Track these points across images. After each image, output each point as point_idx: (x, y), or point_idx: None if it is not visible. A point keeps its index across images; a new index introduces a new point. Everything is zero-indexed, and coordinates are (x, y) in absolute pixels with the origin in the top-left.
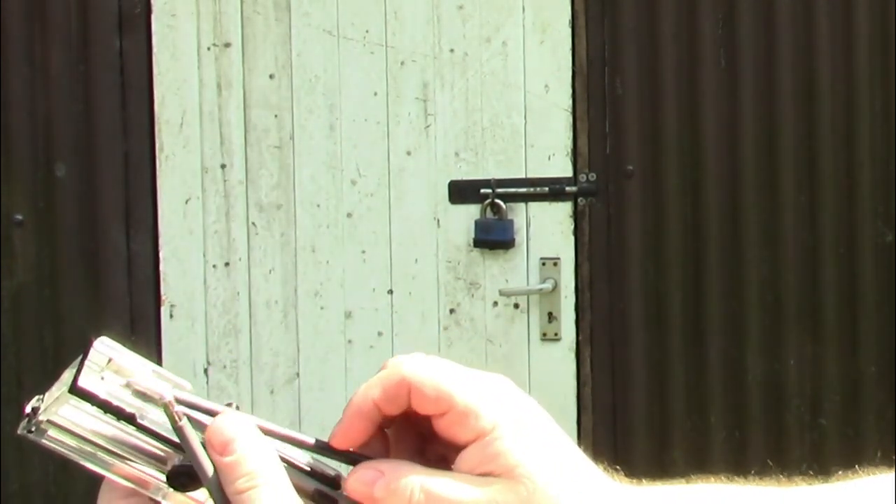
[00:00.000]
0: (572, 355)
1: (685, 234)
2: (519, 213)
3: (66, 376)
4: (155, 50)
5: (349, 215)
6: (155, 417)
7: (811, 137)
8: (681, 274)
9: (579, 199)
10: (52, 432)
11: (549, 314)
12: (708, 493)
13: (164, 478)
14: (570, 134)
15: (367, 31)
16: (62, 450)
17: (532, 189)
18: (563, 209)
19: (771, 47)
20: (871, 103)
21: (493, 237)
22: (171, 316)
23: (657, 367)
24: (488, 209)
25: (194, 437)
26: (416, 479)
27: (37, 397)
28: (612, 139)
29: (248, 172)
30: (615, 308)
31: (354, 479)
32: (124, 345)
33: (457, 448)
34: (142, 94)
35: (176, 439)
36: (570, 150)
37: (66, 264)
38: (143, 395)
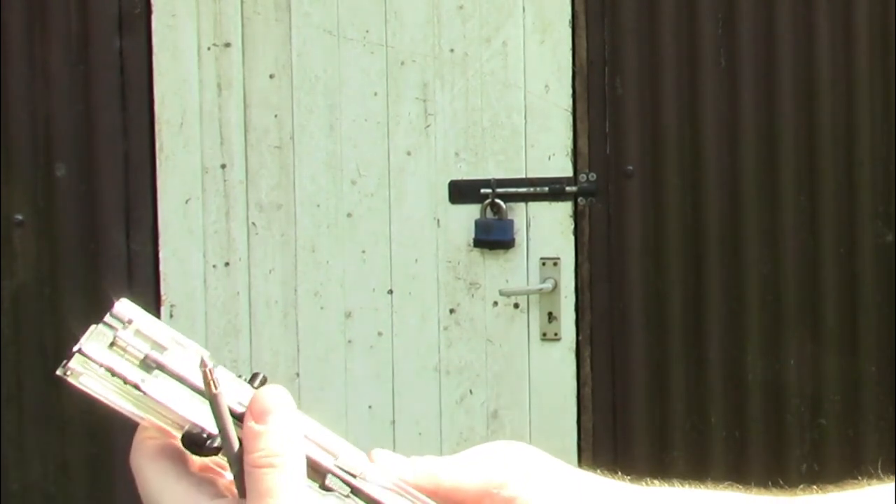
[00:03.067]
0: (572, 355)
1: (685, 234)
2: (519, 213)
3: (91, 330)
4: (155, 50)
5: (349, 215)
6: (158, 384)
7: (811, 137)
8: (681, 274)
9: (579, 199)
10: (84, 379)
11: (549, 314)
12: (710, 500)
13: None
14: (570, 134)
15: (367, 31)
16: (99, 397)
17: (532, 189)
18: (563, 209)
19: (771, 47)
20: (871, 103)
21: (493, 237)
22: (171, 316)
23: (657, 367)
24: (488, 209)
25: (226, 407)
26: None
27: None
28: (612, 139)
29: (248, 172)
30: (615, 308)
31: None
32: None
33: None
34: (142, 94)
35: (177, 410)
36: (570, 150)
37: (66, 264)
38: (153, 361)
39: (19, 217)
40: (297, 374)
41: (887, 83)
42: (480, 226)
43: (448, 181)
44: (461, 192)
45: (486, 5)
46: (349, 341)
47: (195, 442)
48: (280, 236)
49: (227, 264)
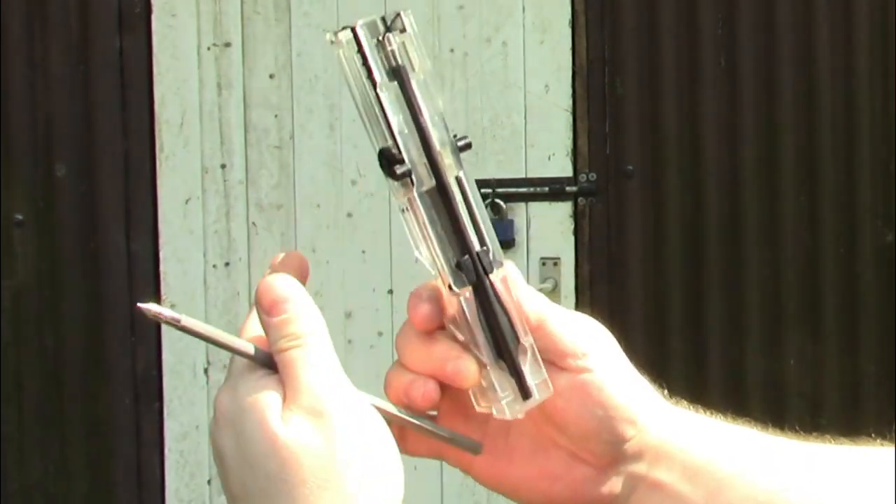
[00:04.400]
0: None
1: (685, 234)
2: (519, 213)
3: (371, 20)
4: (155, 50)
5: (349, 215)
6: (393, 100)
7: (811, 137)
8: (681, 274)
9: (579, 199)
10: (340, 52)
11: None
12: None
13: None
14: (570, 134)
15: None
16: (343, 70)
17: (532, 189)
18: (563, 209)
19: (771, 47)
20: (871, 103)
21: None
22: None
23: (657, 367)
24: (488, 209)
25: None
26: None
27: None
28: (612, 139)
29: (248, 172)
30: (615, 308)
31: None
32: (124, 345)
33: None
34: (142, 94)
35: (392, 123)
36: (570, 150)
37: (66, 264)
38: (398, 69)
39: (19, 217)
40: None
41: (887, 83)
42: None
43: None
44: None
45: (486, 5)
46: (349, 341)
47: (388, 157)
48: (280, 236)
49: (227, 264)
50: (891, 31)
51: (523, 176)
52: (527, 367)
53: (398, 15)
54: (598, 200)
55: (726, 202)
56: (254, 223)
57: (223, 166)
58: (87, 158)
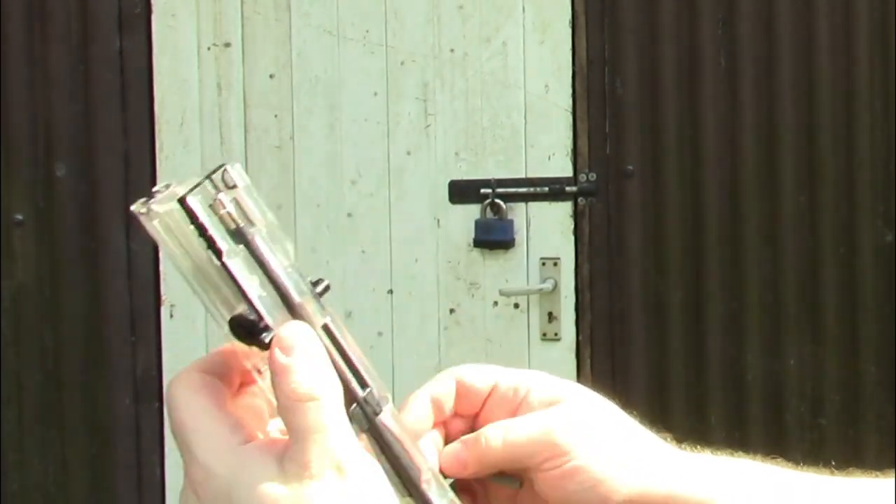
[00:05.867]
0: (572, 355)
1: (685, 234)
2: (519, 213)
3: (192, 182)
4: (155, 50)
5: (349, 215)
6: (242, 266)
7: (811, 137)
8: (681, 274)
9: (579, 199)
10: (157, 223)
11: (549, 314)
12: (757, 472)
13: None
14: (570, 134)
15: (367, 31)
16: (162, 245)
17: (532, 189)
18: (563, 209)
19: (771, 47)
20: (871, 103)
21: (493, 237)
22: (171, 316)
23: (657, 367)
24: (488, 209)
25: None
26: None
27: (165, 183)
28: (612, 139)
29: (248, 172)
30: (615, 308)
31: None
32: (124, 345)
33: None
34: (142, 94)
35: (247, 292)
36: (570, 150)
37: (66, 264)
38: (239, 230)
39: (19, 217)
40: None
41: (887, 83)
42: (480, 226)
43: (448, 181)
44: (461, 192)
45: (486, 5)
46: None
47: (246, 326)
48: None
49: None
50: (891, 31)
51: (523, 176)
52: (433, 493)
53: (223, 170)
54: (598, 200)
55: (726, 202)
56: None
57: None
58: (87, 158)
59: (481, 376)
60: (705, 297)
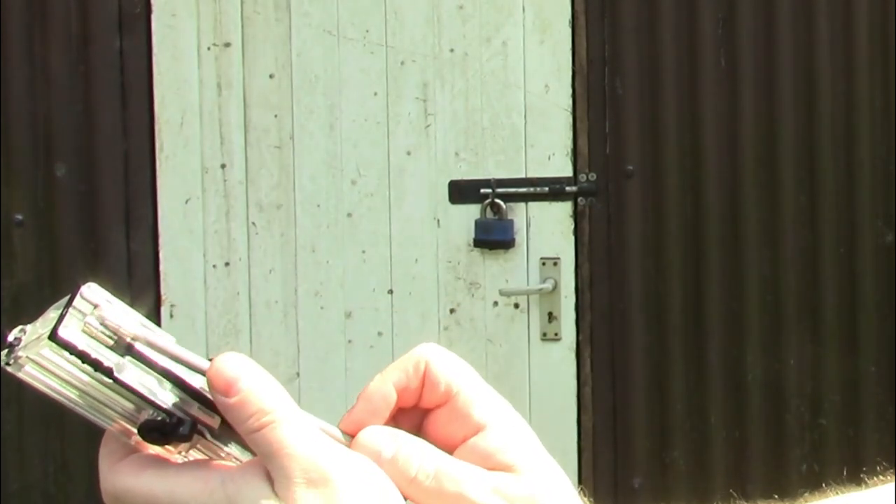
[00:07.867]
0: (572, 355)
1: (685, 234)
2: (519, 213)
3: (52, 315)
4: (155, 50)
5: (349, 215)
6: (134, 374)
7: (811, 137)
8: (681, 274)
9: (579, 199)
10: (29, 368)
11: (549, 314)
12: None
13: (135, 430)
14: (570, 134)
15: (367, 31)
16: (40, 387)
17: (532, 189)
18: (563, 209)
19: (771, 47)
20: (871, 103)
21: (493, 237)
22: (171, 316)
23: (657, 367)
24: (488, 209)
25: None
26: (429, 454)
27: (20, 328)
28: (612, 139)
29: (248, 172)
30: (615, 308)
31: (370, 432)
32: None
33: (448, 446)
34: (142, 94)
35: (150, 397)
36: (570, 150)
37: (66, 264)
38: (119, 341)
39: (19, 217)
40: (298, 374)
41: (887, 83)
42: (480, 226)
43: (448, 181)
44: (461, 191)
45: (486, 5)
46: (349, 341)
47: (157, 429)
48: (280, 236)
49: (227, 264)
50: (891, 31)
51: (523, 176)
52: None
53: (79, 294)
54: (598, 200)
55: (726, 202)
56: (254, 223)
57: (223, 166)
58: (87, 158)
59: (445, 376)
60: (705, 297)
